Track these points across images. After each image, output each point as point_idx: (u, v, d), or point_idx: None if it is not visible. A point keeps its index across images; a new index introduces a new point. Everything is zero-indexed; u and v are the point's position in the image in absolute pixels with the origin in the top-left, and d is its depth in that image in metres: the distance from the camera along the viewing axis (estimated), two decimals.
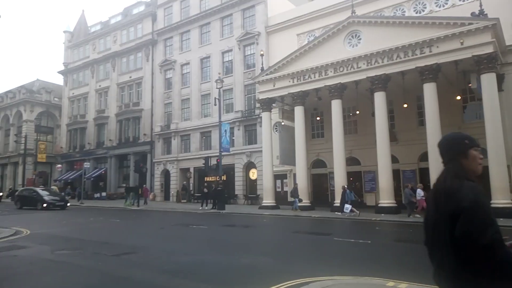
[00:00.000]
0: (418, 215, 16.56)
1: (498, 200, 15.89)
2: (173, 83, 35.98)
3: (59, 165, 43.44)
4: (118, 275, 6.91)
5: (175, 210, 24.51)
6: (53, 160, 45.24)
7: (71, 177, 41.88)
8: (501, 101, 17.54)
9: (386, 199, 18.87)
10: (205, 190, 25.48)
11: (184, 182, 33.42)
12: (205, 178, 30.96)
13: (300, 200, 21.48)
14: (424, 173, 20.27)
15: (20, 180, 42.54)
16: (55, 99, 49.05)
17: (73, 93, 45.75)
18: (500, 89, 18.11)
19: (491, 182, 16.23)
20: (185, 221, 17.32)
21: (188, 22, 35.12)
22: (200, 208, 24.40)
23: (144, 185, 33.36)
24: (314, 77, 21.81)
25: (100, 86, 42.68)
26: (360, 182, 24.17)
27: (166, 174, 35.32)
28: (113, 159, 39.43)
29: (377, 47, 19.35)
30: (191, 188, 33.01)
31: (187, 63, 35.05)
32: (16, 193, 29.93)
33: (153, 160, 35.99)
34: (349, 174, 22.59)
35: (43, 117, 48.70)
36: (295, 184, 21.85)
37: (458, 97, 20.05)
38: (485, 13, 17.07)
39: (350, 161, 23.78)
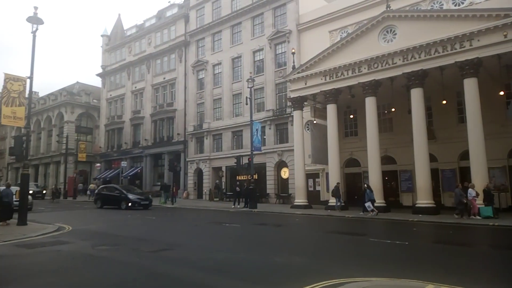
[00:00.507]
0: (473, 216, 15.83)
1: None
2: (205, 83, 36.51)
3: (98, 164, 45.35)
4: (156, 271, 7.09)
5: (208, 208, 24.87)
6: (92, 159, 47.22)
7: (109, 176, 43.58)
8: None
9: (424, 199, 18.16)
10: (237, 188, 25.69)
11: (217, 181, 33.86)
12: (237, 177, 31.19)
13: (341, 201, 21.09)
14: (465, 172, 19.40)
15: (62, 178, 44.74)
16: (94, 100, 51.18)
17: (110, 95, 47.52)
18: None
19: None
20: (218, 219, 17.52)
21: (220, 23, 35.51)
22: (233, 206, 24.62)
23: (174, 184, 34.30)
24: (347, 74, 21.39)
25: (135, 87, 44.06)
26: (396, 181, 23.48)
27: (199, 173, 35.92)
28: (148, 158, 40.62)
29: (414, 42, 18.66)
30: (223, 187, 33.38)
31: (219, 63, 35.44)
32: (96, 191, 29.32)
33: (187, 159, 36.70)
34: (384, 173, 21.97)
35: (83, 118, 50.94)
36: (337, 183, 21.29)
37: (502, 93, 19.00)
38: None
39: (385, 160, 23.14)
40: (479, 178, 16.68)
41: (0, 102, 18.21)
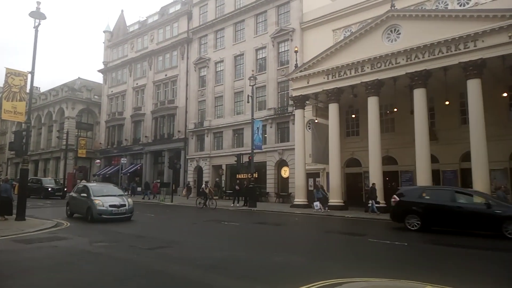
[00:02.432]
0: None
1: None
2: (207, 80, 36.40)
3: (98, 160, 45.30)
4: (153, 268, 7.00)
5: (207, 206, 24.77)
6: (92, 155, 47.17)
7: (108, 172, 43.53)
8: None
9: None
10: (237, 187, 25.57)
11: (217, 179, 33.76)
12: (237, 175, 31.10)
13: (378, 202, 19.45)
14: (466, 174, 19.26)
15: (61, 174, 44.69)
16: (95, 96, 51.10)
17: (111, 91, 47.44)
18: None
19: None
20: (217, 217, 17.44)
21: (223, 20, 35.38)
22: (232, 205, 24.53)
23: (155, 181, 34.18)
24: (350, 74, 21.26)
25: (137, 84, 43.96)
26: (396, 182, 23.35)
27: (199, 171, 35.84)
28: (148, 155, 40.55)
29: (418, 42, 18.52)
30: (223, 185, 33.29)
31: (221, 61, 35.32)
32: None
33: (187, 157, 36.62)
34: (385, 174, 21.86)
35: (84, 114, 50.88)
36: (372, 184, 19.79)
37: (505, 94, 18.87)
38: None
39: (387, 160, 23.01)
40: (480, 180, 16.56)
41: (1, 97, 18.13)
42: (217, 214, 19.32)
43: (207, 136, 35.14)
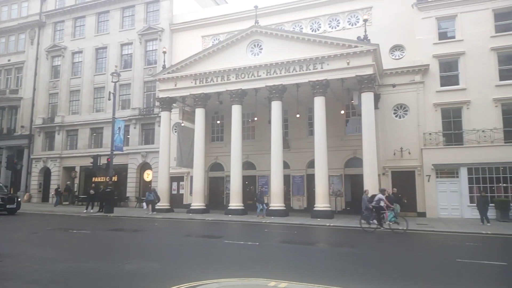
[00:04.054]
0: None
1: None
2: (61, 71, 32.49)
3: None
4: None
5: (55, 213, 22.04)
6: None
7: None
8: (376, 118, 20.06)
9: (276, 203, 19.89)
10: (92, 191, 23.37)
11: (68, 182, 30.26)
12: (93, 178, 28.57)
13: (267, 205, 19.80)
14: (311, 179, 21.98)
15: None
16: None
17: None
18: (376, 107, 20.70)
19: (364, 188, 18.35)
20: (65, 225, 15.68)
21: (84, 8, 32.22)
22: (85, 211, 22.38)
23: None
24: (217, 81, 21.96)
25: None
26: (254, 186, 25.06)
27: (46, 173, 31.56)
28: None
29: (276, 59, 20.41)
30: (75, 189, 30.09)
31: (80, 52, 32.05)
32: None
33: (31, 156, 31.84)
34: (245, 178, 23.27)
35: None
36: (262, 187, 20.02)
37: (342, 112, 22.32)
38: (368, 38, 19.36)
39: (247, 165, 24.53)
40: (321, 184, 19.16)
41: None
42: (65, 221, 17.35)
43: (59, 134, 31.28)
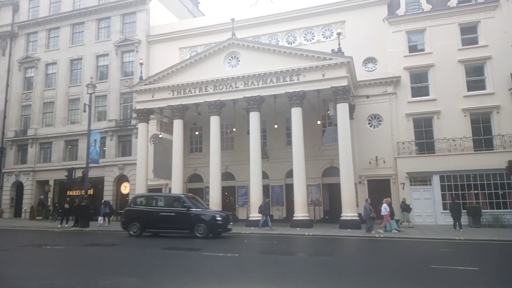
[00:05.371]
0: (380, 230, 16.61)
1: (347, 213, 18.42)
2: (34, 83, 31.79)
3: None
4: None
5: (27, 228, 21.31)
6: None
7: None
8: (351, 128, 20.57)
9: (256, 213, 19.91)
10: (66, 205, 22.74)
11: (41, 197, 29.37)
12: (68, 192, 27.85)
13: (272, 217, 19.31)
14: (289, 188, 22.20)
15: None
16: None
17: None
18: (351, 117, 21.25)
19: (342, 197, 18.71)
20: (38, 241, 15.20)
21: (58, 19, 31.79)
22: (59, 225, 21.74)
23: None
24: (195, 92, 22.02)
25: None
26: (234, 196, 25.05)
27: (18, 187, 30.54)
28: None
29: (253, 70, 20.70)
30: (49, 204, 29.20)
31: (54, 63, 31.50)
32: None
33: (3, 170, 30.79)
34: (224, 189, 23.27)
35: None
36: (266, 199, 19.80)
37: (319, 122, 22.71)
38: (342, 51, 19.95)
39: (226, 176, 24.54)
40: (300, 194, 19.38)
41: None
42: (38, 236, 16.81)
43: (31, 147, 30.43)
